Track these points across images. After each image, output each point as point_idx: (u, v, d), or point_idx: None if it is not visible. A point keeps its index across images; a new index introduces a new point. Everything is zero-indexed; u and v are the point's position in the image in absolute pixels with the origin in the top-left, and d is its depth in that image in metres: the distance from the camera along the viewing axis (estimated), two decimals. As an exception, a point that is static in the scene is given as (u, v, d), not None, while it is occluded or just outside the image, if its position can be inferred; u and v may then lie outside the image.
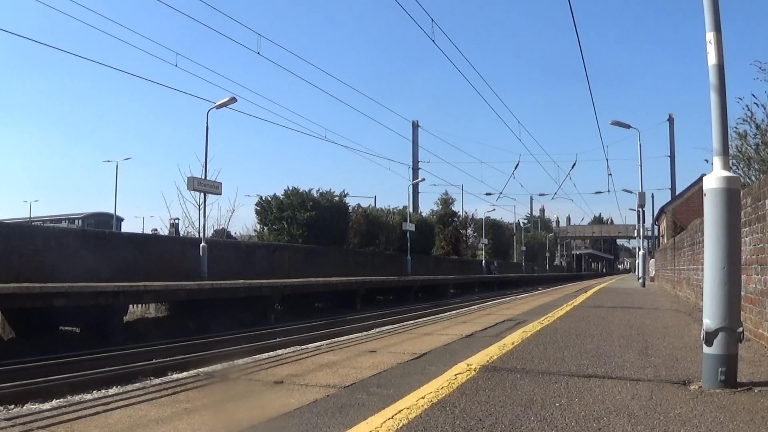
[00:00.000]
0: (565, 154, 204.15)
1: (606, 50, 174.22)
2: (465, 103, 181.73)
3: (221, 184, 19.24)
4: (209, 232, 24.92)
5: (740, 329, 3.43)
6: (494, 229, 55.78)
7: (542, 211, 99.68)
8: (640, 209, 28.64)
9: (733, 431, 2.67)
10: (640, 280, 25.48)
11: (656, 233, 45.91)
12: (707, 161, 15.31)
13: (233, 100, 18.57)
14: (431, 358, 4.89)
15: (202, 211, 19.34)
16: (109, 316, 11.52)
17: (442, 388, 3.61)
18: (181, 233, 28.17)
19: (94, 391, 4.45)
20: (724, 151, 3.63)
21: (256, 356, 5.53)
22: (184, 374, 4.55)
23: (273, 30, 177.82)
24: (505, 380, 3.84)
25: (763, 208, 4.80)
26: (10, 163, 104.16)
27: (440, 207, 48.59)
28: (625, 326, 7.28)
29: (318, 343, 6.21)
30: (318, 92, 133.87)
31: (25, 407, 3.77)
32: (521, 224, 72.53)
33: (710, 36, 3.70)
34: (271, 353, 5.74)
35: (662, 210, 39.43)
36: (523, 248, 62.44)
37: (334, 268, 24.44)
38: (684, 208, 32.01)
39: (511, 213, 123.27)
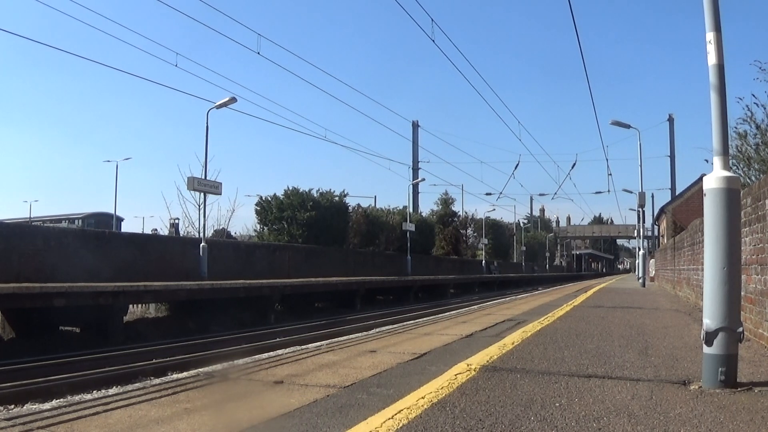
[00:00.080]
0: (565, 154, 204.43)
1: (606, 50, 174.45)
2: (465, 103, 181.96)
3: (221, 184, 19.28)
4: (209, 232, 24.95)
5: (740, 329, 3.43)
6: (494, 229, 55.79)
7: (542, 211, 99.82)
8: (640, 209, 28.65)
9: (733, 431, 2.67)
10: (640, 280, 25.48)
11: (656, 233, 45.92)
12: (707, 161, 15.32)
13: (233, 100, 18.57)
14: (431, 358, 4.89)
15: (202, 211, 19.38)
16: (109, 316, 11.52)
17: (442, 388, 3.61)
18: (181, 233, 28.17)
19: (94, 391, 4.45)
20: (724, 151, 3.63)
21: (256, 356, 5.53)
22: (184, 374, 4.55)
23: (273, 30, 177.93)
24: (505, 380, 3.84)
25: (763, 208, 4.80)
26: (10, 163, 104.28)
27: (440, 207, 48.62)
28: (625, 326, 7.28)
29: (318, 343, 6.21)
30: (318, 92, 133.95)
31: (25, 407, 3.77)
32: (521, 224, 72.55)
33: (710, 36, 3.70)
34: (271, 353, 5.74)
35: (662, 210, 39.43)
36: (523, 248, 62.45)
37: (334, 268, 24.44)
38: (684, 208, 32.01)
39: (511, 213, 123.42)
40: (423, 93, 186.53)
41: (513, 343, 5.65)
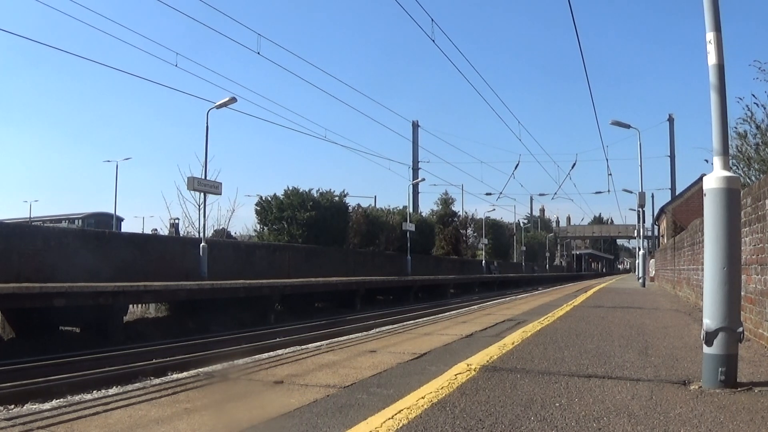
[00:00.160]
0: (565, 154, 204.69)
1: (606, 50, 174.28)
2: (465, 103, 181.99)
3: (221, 184, 19.27)
4: (209, 232, 24.92)
5: (740, 329, 3.43)
6: (494, 229, 55.78)
7: (542, 211, 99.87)
8: (640, 209, 28.66)
9: (733, 431, 2.67)
10: (640, 280, 25.48)
11: (656, 233, 45.92)
12: (707, 161, 15.35)
13: (233, 100, 18.57)
14: (431, 358, 4.89)
15: (202, 211, 19.38)
16: (109, 316, 11.52)
17: (442, 388, 3.61)
18: (181, 233, 28.15)
19: (94, 391, 4.45)
20: (724, 151, 3.63)
21: (256, 356, 5.53)
22: (184, 374, 4.55)
23: (273, 30, 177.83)
24: (505, 380, 3.84)
25: (763, 208, 4.80)
26: (10, 163, 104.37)
27: (440, 207, 48.62)
28: (625, 326, 7.28)
29: (318, 343, 6.21)
30: (318, 92, 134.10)
31: (25, 407, 3.77)
32: (521, 224, 72.54)
33: (710, 36, 3.70)
34: (271, 353, 5.74)
35: (662, 210, 39.44)
36: (523, 248, 62.45)
37: (334, 268, 24.44)
38: (684, 208, 32.01)
39: (511, 213, 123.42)
40: (423, 93, 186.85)
41: (513, 343, 5.65)
